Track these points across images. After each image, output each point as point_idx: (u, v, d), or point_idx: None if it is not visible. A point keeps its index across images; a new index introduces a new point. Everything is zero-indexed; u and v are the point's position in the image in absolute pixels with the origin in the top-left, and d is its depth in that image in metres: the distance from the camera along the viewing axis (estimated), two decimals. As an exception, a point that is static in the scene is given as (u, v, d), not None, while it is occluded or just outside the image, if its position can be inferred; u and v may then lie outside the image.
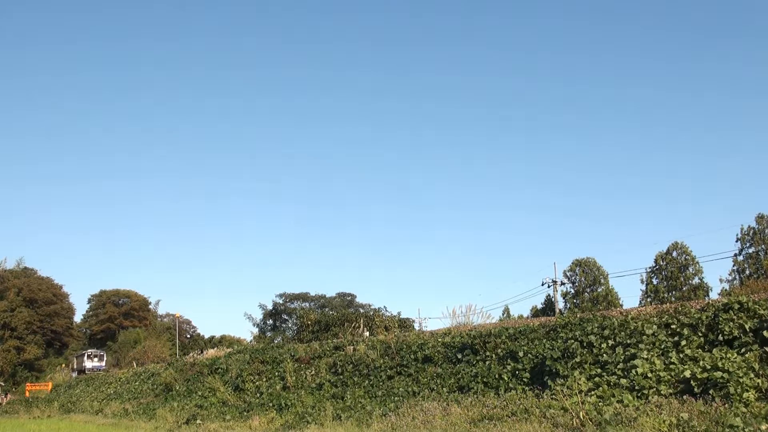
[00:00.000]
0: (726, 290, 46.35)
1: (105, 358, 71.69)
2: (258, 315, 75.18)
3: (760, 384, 11.97)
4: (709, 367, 12.72)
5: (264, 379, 26.03)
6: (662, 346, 14.27)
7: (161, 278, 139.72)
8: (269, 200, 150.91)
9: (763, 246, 48.96)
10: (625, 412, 12.50)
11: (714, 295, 47.78)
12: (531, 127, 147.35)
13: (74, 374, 67.64)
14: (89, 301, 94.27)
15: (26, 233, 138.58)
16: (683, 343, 13.98)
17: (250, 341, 66.40)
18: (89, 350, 73.83)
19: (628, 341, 14.86)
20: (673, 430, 11.45)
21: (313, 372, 24.31)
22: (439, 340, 20.83)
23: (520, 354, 17.00)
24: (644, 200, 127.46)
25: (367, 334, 27.67)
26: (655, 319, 15.31)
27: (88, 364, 68.45)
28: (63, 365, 77.81)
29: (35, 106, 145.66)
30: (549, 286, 51.55)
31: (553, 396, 14.26)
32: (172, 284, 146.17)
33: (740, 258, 49.57)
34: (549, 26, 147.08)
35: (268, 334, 68.24)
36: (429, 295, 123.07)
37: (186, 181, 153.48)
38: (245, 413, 23.06)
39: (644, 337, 14.71)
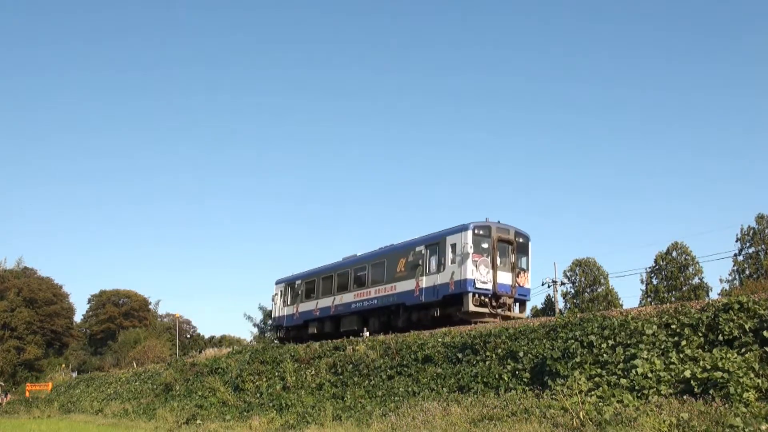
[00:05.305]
0: (726, 290, 46.33)
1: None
2: (258, 315, 75.00)
3: (760, 384, 11.97)
4: (709, 367, 12.72)
5: (264, 379, 26.04)
6: (662, 346, 14.27)
7: (161, 278, 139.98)
8: (269, 200, 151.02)
9: (763, 246, 48.93)
10: (625, 412, 12.51)
11: (714, 295, 47.76)
12: (530, 126, 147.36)
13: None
14: (89, 301, 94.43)
15: (26, 233, 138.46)
16: (683, 343, 13.98)
17: (250, 341, 66.38)
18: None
19: (628, 341, 14.86)
20: (673, 430, 11.46)
21: (313, 372, 24.31)
22: (439, 339, 20.82)
23: (520, 354, 17.00)
24: (644, 200, 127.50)
25: (367, 333, 27.62)
26: (655, 319, 15.31)
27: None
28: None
29: (35, 106, 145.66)
30: (549, 286, 51.44)
31: (553, 396, 14.27)
32: (172, 284, 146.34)
33: (740, 258, 49.53)
34: (548, 26, 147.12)
35: (268, 334, 68.14)
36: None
37: (186, 180, 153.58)
38: (245, 413, 23.08)
39: (644, 337, 14.71)
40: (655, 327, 14.80)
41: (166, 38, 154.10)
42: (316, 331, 31.73)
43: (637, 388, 13.48)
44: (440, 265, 24.77)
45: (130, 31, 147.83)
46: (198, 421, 24.12)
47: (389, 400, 18.86)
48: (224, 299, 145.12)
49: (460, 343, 19.62)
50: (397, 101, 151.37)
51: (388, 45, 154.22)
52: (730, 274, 49.83)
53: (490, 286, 23.81)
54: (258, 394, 25.08)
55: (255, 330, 71.42)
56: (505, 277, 24.44)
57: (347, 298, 29.69)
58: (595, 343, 15.44)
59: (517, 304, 25.10)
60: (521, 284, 24.90)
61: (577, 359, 15.28)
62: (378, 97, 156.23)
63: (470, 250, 23.64)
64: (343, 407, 19.72)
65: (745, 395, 11.79)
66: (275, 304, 36.49)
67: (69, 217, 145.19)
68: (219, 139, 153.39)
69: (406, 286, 26.14)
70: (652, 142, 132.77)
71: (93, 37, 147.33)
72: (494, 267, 24.08)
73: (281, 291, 35.84)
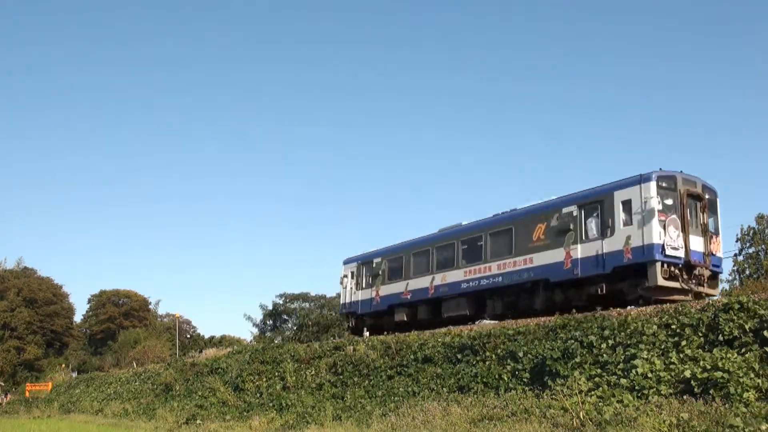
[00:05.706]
0: (726, 290, 46.31)
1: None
2: (258, 315, 75.02)
3: (760, 384, 11.98)
4: (709, 367, 12.74)
5: (264, 379, 26.05)
6: (662, 346, 14.28)
7: (161, 278, 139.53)
8: (269, 200, 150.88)
9: (763, 246, 48.90)
10: (625, 412, 12.53)
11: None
12: (530, 126, 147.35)
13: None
14: (89, 301, 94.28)
15: (26, 233, 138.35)
16: (683, 343, 14.00)
17: (250, 341, 66.41)
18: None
19: (628, 341, 14.88)
20: (673, 430, 11.48)
21: (313, 372, 24.32)
22: (439, 340, 20.84)
23: (520, 354, 17.00)
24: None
25: (367, 334, 27.63)
26: (655, 319, 15.32)
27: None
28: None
29: (35, 106, 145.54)
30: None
31: (553, 396, 14.28)
32: (172, 284, 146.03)
33: (740, 258, 49.53)
34: (548, 26, 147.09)
35: (268, 334, 68.16)
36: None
37: (185, 181, 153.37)
38: (245, 413, 23.10)
39: (644, 337, 14.73)
40: (655, 327, 14.81)
41: (166, 38, 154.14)
42: (405, 318, 26.65)
43: (637, 388, 13.49)
44: (606, 229, 19.51)
45: (131, 31, 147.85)
46: (198, 421, 24.13)
47: (389, 400, 18.87)
48: (224, 299, 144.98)
49: (459, 344, 19.64)
50: (397, 101, 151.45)
51: (388, 45, 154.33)
52: (730, 274, 49.76)
53: (681, 253, 18.50)
54: (258, 394, 25.10)
55: (255, 330, 71.50)
56: (697, 243, 19.10)
57: (454, 276, 24.34)
58: (594, 344, 15.45)
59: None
60: (714, 252, 19.68)
61: (577, 359, 15.30)
62: (378, 97, 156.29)
63: (656, 206, 18.38)
64: (343, 407, 19.74)
65: (745, 395, 11.80)
66: (344, 287, 30.50)
67: (69, 217, 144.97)
68: (219, 139, 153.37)
69: (549, 257, 20.96)
70: (652, 142, 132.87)
71: (93, 37, 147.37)
72: (685, 229, 18.75)
73: (352, 272, 29.98)
